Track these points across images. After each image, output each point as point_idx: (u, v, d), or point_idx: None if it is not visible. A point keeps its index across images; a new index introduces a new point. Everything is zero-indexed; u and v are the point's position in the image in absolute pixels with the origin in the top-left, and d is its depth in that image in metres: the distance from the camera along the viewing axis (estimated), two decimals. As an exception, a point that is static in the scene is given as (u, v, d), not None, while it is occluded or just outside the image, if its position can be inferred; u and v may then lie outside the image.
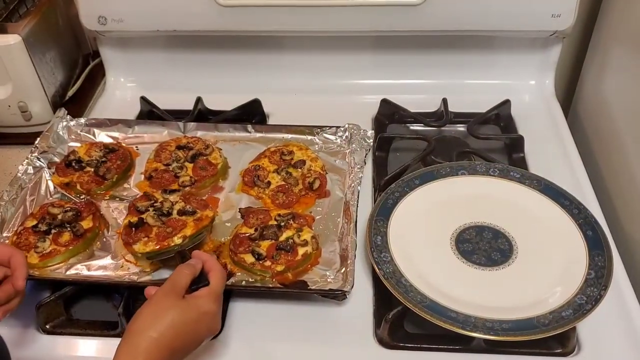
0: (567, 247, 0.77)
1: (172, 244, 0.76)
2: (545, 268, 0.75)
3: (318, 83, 1.12)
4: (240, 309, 0.76)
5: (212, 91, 1.09)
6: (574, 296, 0.70)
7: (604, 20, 1.06)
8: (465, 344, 0.70)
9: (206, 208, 0.80)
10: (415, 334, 0.73)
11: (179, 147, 0.93)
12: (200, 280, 0.66)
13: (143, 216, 0.79)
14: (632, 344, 0.71)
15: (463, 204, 0.84)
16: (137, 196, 0.85)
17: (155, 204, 0.80)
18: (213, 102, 1.08)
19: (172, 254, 0.76)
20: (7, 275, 0.65)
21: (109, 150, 0.94)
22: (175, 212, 0.79)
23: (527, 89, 1.10)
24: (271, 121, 1.07)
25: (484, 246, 0.78)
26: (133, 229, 0.77)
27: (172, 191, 0.84)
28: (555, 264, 0.75)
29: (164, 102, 1.08)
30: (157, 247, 0.75)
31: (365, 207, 0.86)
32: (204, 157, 0.91)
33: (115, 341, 0.72)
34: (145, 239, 0.76)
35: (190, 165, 0.91)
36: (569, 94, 1.21)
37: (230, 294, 0.78)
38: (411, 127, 1.06)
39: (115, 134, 1.00)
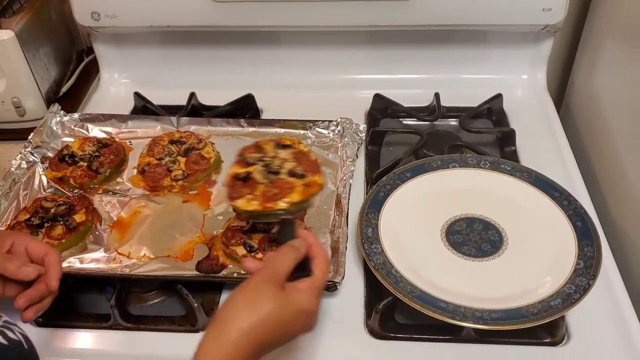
0: (556, 238, 0.77)
1: (277, 208, 0.67)
2: (534, 258, 0.76)
3: (311, 78, 1.12)
4: (232, 301, 0.77)
5: (206, 87, 1.09)
6: (563, 286, 0.71)
7: (594, 14, 1.06)
8: (455, 334, 0.71)
9: (316, 173, 0.71)
10: (406, 324, 0.74)
11: (171, 142, 0.94)
12: (302, 268, 0.58)
13: (250, 170, 0.70)
14: (621, 334, 0.72)
15: (454, 196, 0.84)
16: (245, 146, 0.75)
17: (265, 158, 0.72)
18: (207, 98, 1.09)
19: (276, 219, 0.68)
20: (41, 273, 0.64)
21: (102, 145, 0.94)
22: (284, 171, 0.70)
23: (520, 83, 1.11)
24: (265, 116, 1.07)
25: (474, 237, 0.79)
26: (239, 182, 0.69)
27: (285, 146, 0.74)
28: (544, 255, 0.76)
29: (158, 98, 1.08)
30: (260, 208, 0.67)
31: (357, 200, 0.86)
32: (197, 151, 0.92)
33: (108, 333, 0.75)
34: (250, 196, 0.68)
35: (182, 160, 0.91)
36: (561, 88, 1.22)
37: (222, 286, 0.78)
38: (404, 122, 1.07)
39: (109, 129, 1.00)
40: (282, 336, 0.55)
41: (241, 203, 0.68)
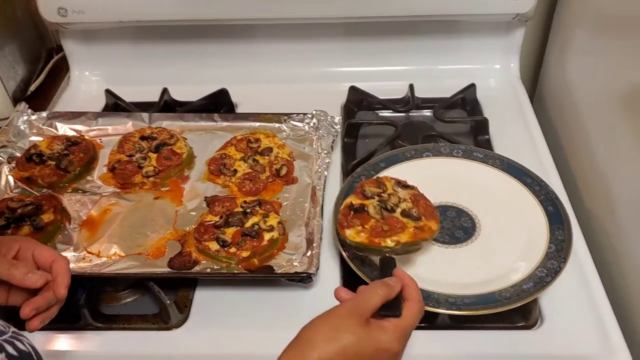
0: (528, 223, 0.78)
1: (383, 244, 0.68)
2: (507, 244, 0.76)
3: (287, 72, 1.12)
4: (206, 297, 0.76)
5: (180, 82, 1.08)
6: (535, 269, 0.71)
7: (564, 3, 1.07)
8: (430, 321, 0.71)
9: (432, 218, 0.71)
10: (382, 314, 0.73)
11: (142, 138, 0.92)
12: (392, 307, 0.57)
13: (366, 202, 0.72)
14: (593, 315, 0.72)
15: (428, 185, 0.83)
16: (366, 180, 0.77)
17: (382, 195, 0.73)
18: (180, 94, 1.07)
19: (380, 255, 0.69)
20: (48, 280, 0.62)
21: (72, 143, 0.93)
22: (399, 210, 0.71)
23: (493, 73, 1.11)
24: (240, 111, 1.06)
25: (448, 225, 0.79)
26: (352, 212, 0.72)
27: (406, 186, 0.75)
28: (517, 240, 0.76)
29: (130, 95, 1.07)
30: (367, 241, 0.69)
31: (333, 193, 0.85)
32: (169, 147, 0.91)
33: (79, 334, 0.73)
34: (359, 227, 0.70)
35: (154, 156, 0.90)
36: (535, 77, 1.22)
37: (196, 282, 0.78)
38: (380, 114, 1.06)
39: (79, 127, 0.98)
40: None
41: (349, 233, 0.70)
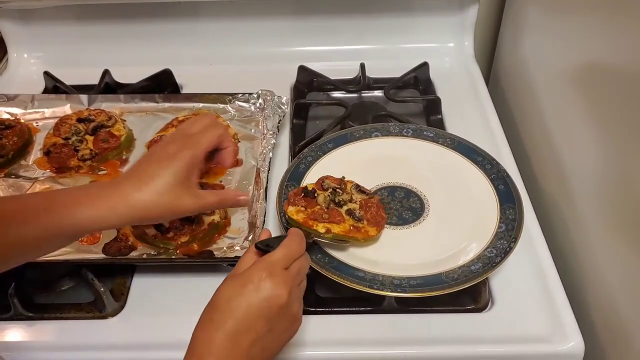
0: (479, 202, 0.76)
1: (314, 228, 0.69)
2: (456, 224, 0.74)
3: (235, 52, 1.08)
4: (144, 284, 0.73)
5: (123, 64, 1.03)
6: (484, 250, 0.69)
7: (517, -20, 1.05)
8: (376, 305, 0.68)
9: (375, 226, 0.72)
10: (327, 297, 0.71)
11: (79, 120, 0.88)
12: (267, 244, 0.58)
13: (319, 192, 0.74)
14: (544, 298, 0.70)
15: (376, 165, 0.82)
16: (330, 175, 0.77)
17: (337, 190, 0.74)
18: (123, 75, 1.02)
19: (309, 238, 0.68)
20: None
21: (5, 126, 0.87)
22: (345, 208, 0.72)
23: (447, 51, 1.09)
24: (185, 92, 1.02)
25: (396, 206, 0.76)
26: (303, 194, 0.73)
27: (362, 191, 0.75)
28: (467, 220, 0.74)
29: (72, 77, 1.02)
30: (302, 221, 0.70)
31: (280, 175, 0.82)
32: (106, 129, 0.86)
33: (10, 324, 0.69)
34: (302, 208, 0.71)
35: (90, 138, 0.85)
36: (490, 56, 1.21)
37: (134, 269, 0.74)
38: (332, 95, 1.03)
39: (14, 110, 0.93)
40: (245, 312, 0.54)
41: (290, 209, 0.71)
